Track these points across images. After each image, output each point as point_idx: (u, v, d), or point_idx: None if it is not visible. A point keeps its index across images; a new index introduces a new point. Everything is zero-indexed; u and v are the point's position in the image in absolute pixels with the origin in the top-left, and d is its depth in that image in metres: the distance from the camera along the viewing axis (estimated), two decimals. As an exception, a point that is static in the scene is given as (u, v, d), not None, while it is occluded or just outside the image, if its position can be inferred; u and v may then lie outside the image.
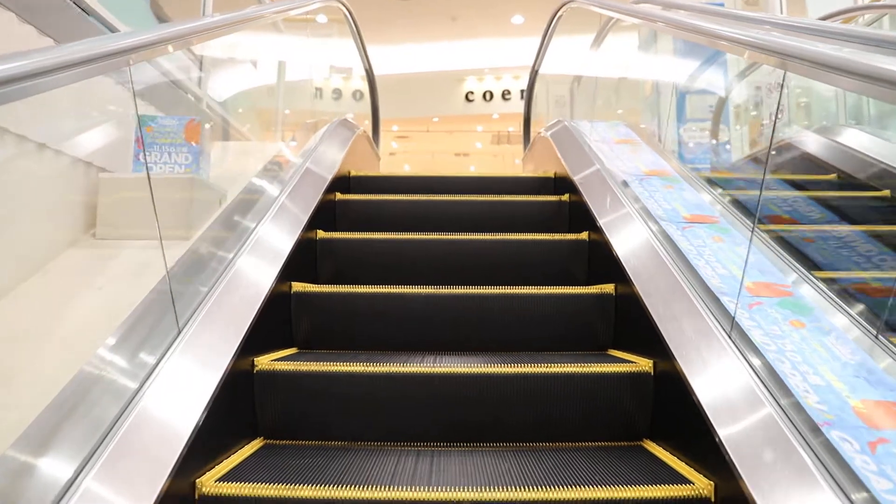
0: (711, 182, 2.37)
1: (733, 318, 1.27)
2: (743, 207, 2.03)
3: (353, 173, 2.95)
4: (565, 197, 2.52)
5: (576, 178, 2.42)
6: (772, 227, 1.90)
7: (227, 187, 2.09)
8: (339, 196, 2.50)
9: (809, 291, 1.50)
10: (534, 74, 4.28)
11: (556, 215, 2.52)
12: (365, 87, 4.69)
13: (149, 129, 1.86)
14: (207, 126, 1.97)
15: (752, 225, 1.83)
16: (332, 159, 2.63)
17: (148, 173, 1.29)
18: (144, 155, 1.32)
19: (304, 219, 2.03)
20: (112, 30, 2.04)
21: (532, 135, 4.27)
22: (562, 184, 2.72)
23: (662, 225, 1.81)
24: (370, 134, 4.11)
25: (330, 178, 2.42)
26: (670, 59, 5.66)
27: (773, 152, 3.65)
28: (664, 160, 2.46)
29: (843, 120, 3.76)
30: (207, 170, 1.97)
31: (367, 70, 4.21)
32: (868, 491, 0.87)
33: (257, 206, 1.92)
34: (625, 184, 2.16)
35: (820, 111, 4.11)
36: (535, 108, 4.52)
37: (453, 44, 11.77)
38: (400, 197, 2.57)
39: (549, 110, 5.22)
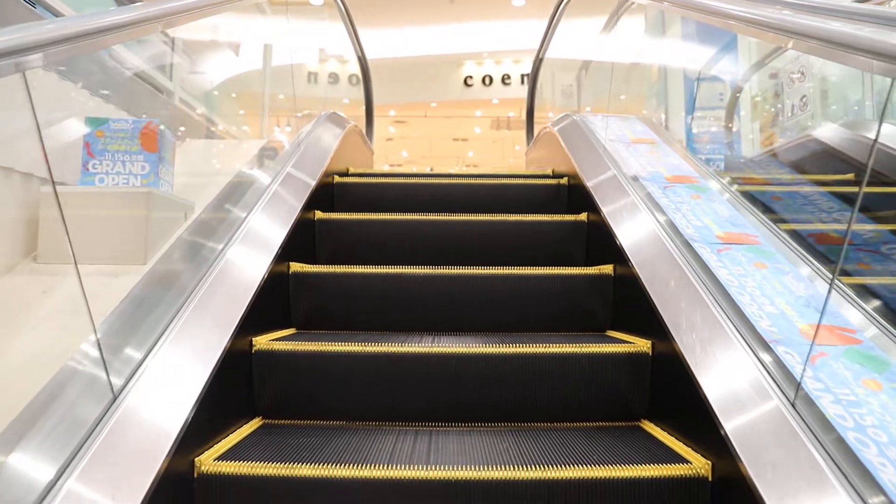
0: (739, 184, 2.13)
1: (799, 383, 1.03)
2: (784, 221, 1.79)
3: (338, 178, 2.70)
4: (583, 216, 2.25)
5: (590, 185, 2.17)
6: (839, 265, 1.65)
7: (194, 198, 1.83)
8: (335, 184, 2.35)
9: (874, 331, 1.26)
10: (538, 62, 3.99)
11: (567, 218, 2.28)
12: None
13: (99, 133, 1.60)
14: (169, 131, 1.70)
15: (800, 249, 1.59)
16: (317, 160, 2.37)
17: (54, 185, 1.06)
18: (47, 162, 1.07)
19: (277, 243, 1.79)
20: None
21: (536, 128, 4.00)
22: (574, 190, 2.47)
23: (695, 247, 1.56)
24: (363, 127, 3.83)
25: (314, 183, 2.17)
26: (683, 45, 5.37)
27: (791, 147, 3.39)
28: (687, 163, 2.21)
29: (869, 111, 3.50)
30: (170, 180, 1.72)
31: (359, 58, 3.90)
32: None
33: (220, 231, 1.69)
34: (648, 195, 1.90)
35: (841, 101, 3.85)
36: (539, 98, 4.24)
37: (452, 26, 11.40)
38: (398, 180, 2.55)
39: (554, 100, 4.94)
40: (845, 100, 3.76)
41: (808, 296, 1.37)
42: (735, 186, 2.07)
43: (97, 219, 1.51)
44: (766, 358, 1.10)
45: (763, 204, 2.03)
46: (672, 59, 5.80)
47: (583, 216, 2.18)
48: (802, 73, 3.47)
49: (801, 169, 2.91)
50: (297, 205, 1.98)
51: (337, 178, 2.54)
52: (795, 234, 1.74)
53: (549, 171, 2.84)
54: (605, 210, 1.97)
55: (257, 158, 2.20)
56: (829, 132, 3.00)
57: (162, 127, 1.66)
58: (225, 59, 3.52)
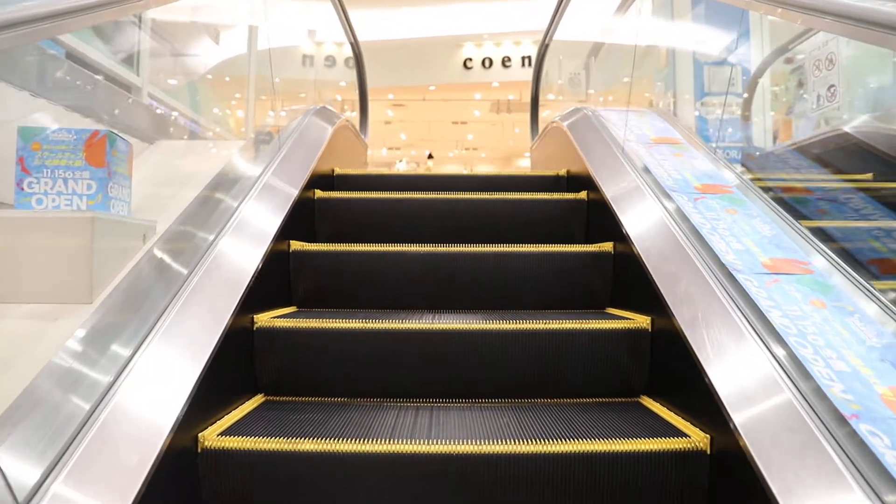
0: (773, 191, 1.89)
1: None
2: (833, 240, 1.55)
3: (337, 171, 2.46)
4: (582, 194, 2.02)
5: (609, 195, 1.92)
6: None
7: (166, 203, 1.60)
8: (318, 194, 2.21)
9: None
10: (543, 48, 3.70)
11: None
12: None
13: (35, 146, 1.35)
14: (123, 139, 1.46)
15: (857, 278, 1.35)
16: (301, 164, 2.13)
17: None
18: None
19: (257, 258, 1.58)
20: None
21: (541, 116, 3.73)
22: (587, 193, 2.22)
23: (739, 279, 1.32)
24: (356, 123, 3.55)
25: (296, 193, 1.92)
26: (694, 27, 5.09)
27: (821, 141, 3.13)
28: (717, 167, 1.96)
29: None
30: (126, 197, 1.47)
31: (352, 44, 3.61)
32: None
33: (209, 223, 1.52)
34: (680, 211, 1.66)
35: (870, 91, 3.58)
36: (543, 85, 3.96)
37: (451, 7, 11.04)
38: (397, 172, 2.38)
39: (561, 85, 4.64)
40: (873, 90, 3.49)
41: (882, 346, 1.14)
42: (768, 191, 1.83)
43: (32, 249, 1.27)
44: (857, 456, 0.87)
45: (804, 215, 1.79)
46: (682, 43, 5.52)
47: (583, 194, 2.16)
48: (831, 61, 3.20)
49: (835, 167, 2.66)
50: (278, 214, 1.75)
51: (331, 179, 2.32)
52: (847, 255, 1.50)
53: (580, 195, 2.59)
54: (625, 221, 1.76)
55: (234, 161, 1.95)
56: (865, 126, 2.74)
57: (113, 135, 1.41)
58: (205, 46, 3.24)
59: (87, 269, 1.28)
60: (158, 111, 2.51)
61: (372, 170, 3.19)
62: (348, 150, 2.98)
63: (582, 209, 2.15)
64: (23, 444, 0.82)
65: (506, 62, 12.05)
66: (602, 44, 4.01)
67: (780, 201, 1.78)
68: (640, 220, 1.71)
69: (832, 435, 0.88)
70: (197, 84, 3.31)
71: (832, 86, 3.22)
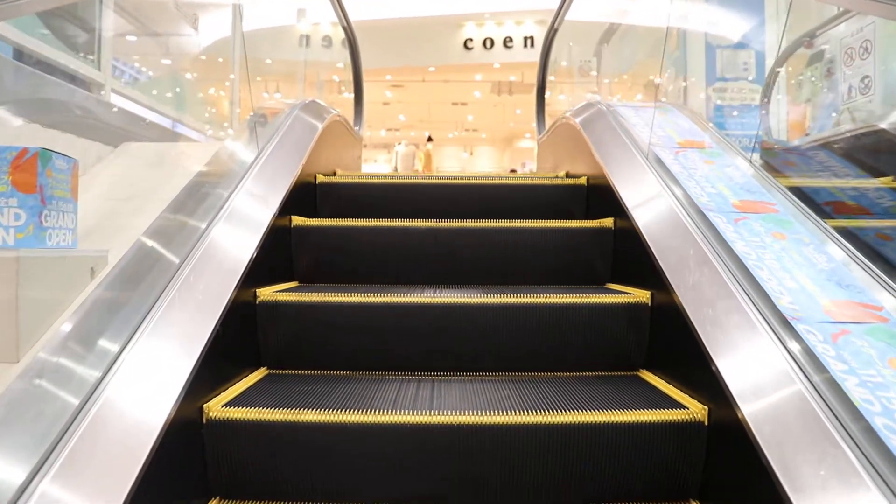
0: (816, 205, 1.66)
1: None
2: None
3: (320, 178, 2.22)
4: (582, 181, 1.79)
5: (629, 205, 1.69)
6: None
7: (113, 239, 1.36)
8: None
9: None
10: (551, 33, 3.43)
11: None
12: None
13: (-50, 167, 1.12)
14: (63, 156, 1.22)
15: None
16: (285, 169, 1.89)
17: None
18: None
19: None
20: None
21: (548, 116, 3.47)
22: (596, 192, 1.99)
23: (799, 329, 1.10)
24: (350, 112, 3.30)
25: (280, 199, 1.69)
26: (709, 9, 4.80)
27: (853, 139, 2.89)
28: (752, 177, 1.72)
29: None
30: (68, 226, 1.24)
31: (345, 28, 3.34)
32: None
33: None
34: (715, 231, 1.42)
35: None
36: (550, 74, 3.69)
37: (451, -15, 10.68)
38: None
39: (569, 72, 4.36)
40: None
41: None
42: (797, 192, 1.61)
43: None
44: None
45: (859, 240, 1.56)
46: (696, 24, 5.23)
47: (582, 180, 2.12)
48: (866, 49, 2.94)
49: (872, 170, 2.42)
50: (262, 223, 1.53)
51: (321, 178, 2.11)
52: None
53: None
54: (650, 239, 1.54)
55: (206, 171, 1.71)
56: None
57: (47, 152, 1.17)
58: (182, 30, 2.96)
59: (12, 320, 1.05)
60: (124, 109, 2.25)
61: (364, 176, 2.95)
62: (339, 148, 2.74)
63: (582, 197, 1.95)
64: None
65: (507, 43, 11.71)
66: (614, 30, 3.73)
67: (819, 210, 1.55)
68: (670, 245, 1.49)
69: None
70: (174, 75, 3.04)
71: (866, 76, 2.97)
